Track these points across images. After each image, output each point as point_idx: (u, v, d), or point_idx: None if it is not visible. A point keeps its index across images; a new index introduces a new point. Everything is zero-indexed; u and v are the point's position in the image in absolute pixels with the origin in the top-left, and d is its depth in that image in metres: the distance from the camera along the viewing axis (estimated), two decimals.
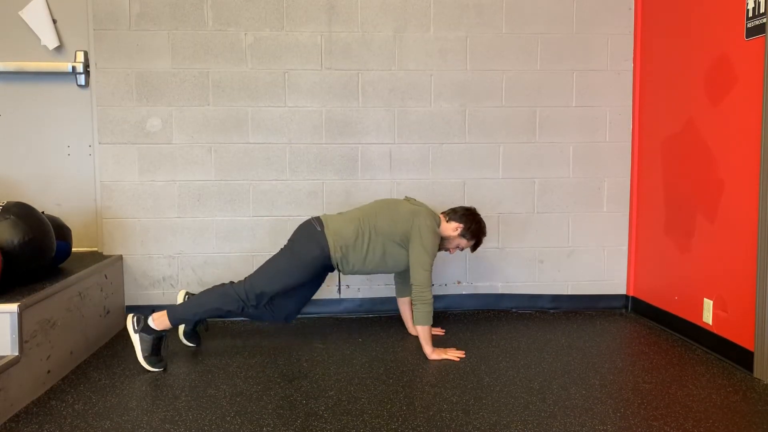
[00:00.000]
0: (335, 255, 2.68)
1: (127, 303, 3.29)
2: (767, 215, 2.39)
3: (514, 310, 3.49)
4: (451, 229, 2.80)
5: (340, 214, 2.81)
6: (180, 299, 2.87)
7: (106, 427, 2.06)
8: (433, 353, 2.69)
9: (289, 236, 2.85)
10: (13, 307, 2.19)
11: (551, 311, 3.48)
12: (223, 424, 2.07)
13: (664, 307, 3.16)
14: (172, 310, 2.60)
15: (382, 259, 2.73)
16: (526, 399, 2.27)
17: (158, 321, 2.57)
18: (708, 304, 2.78)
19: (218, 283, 3.35)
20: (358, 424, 2.07)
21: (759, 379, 2.44)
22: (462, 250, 2.90)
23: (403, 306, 3.05)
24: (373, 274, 3.03)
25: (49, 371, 2.40)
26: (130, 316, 2.59)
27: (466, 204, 3.39)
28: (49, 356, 2.40)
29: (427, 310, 2.66)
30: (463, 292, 3.47)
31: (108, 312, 3.03)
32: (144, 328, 2.56)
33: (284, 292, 2.73)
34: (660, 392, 2.33)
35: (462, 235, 2.81)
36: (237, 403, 2.24)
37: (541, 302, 3.50)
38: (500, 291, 3.49)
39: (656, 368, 2.58)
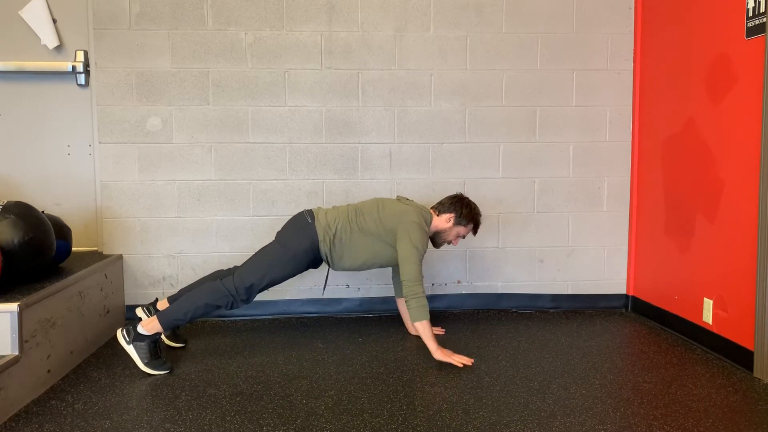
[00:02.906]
0: (323, 247, 2.69)
1: (127, 302, 3.29)
2: (767, 215, 2.39)
3: (514, 309, 3.49)
4: (444, 221, 2.80)
5: (334, 208, 2.81)
6: (139, 312, 2.81)
7: (106, 426, 2.06)
8: (438, 351, 2.60)
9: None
10: (13, 306, 2.19)
11: (551, 311, 3.48)
12: (223, 424, 2.07)
13: (664, 306, 3.16)
14: (163, 315, 2.55)
15: (371, 256, 2.74)
16: (526, 398, 2.27)
17: (149, 327, 2.52)
18: (708, 304, 2.78)
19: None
20: (358, 424, 2.07)
21: (759, 379, 2.44)
22: (464, 237, 2.88)
23: (402, 306, 3.05)
24: (366, 270, 2.97)
25: (49, 371, 2.40)
26: (119, 331, 2.53)
27: None
28: (49, 356, 2.40)
29: (421, 304, 2.59)
30: (463, 292, 3.47)
31: (108, 311, 3.03)
32: (136, 337, 2.51)
33: (274, 284, 2.70)
34: (660, 392, 2.33)
35: (457, 223, 2.80)
36: (237, 403, 2.24)
37: (541, 302, 3.50)
38: (500, 290, 3.49)
39: (656, 368, 2.58)
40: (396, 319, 3.28)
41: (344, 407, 2.21)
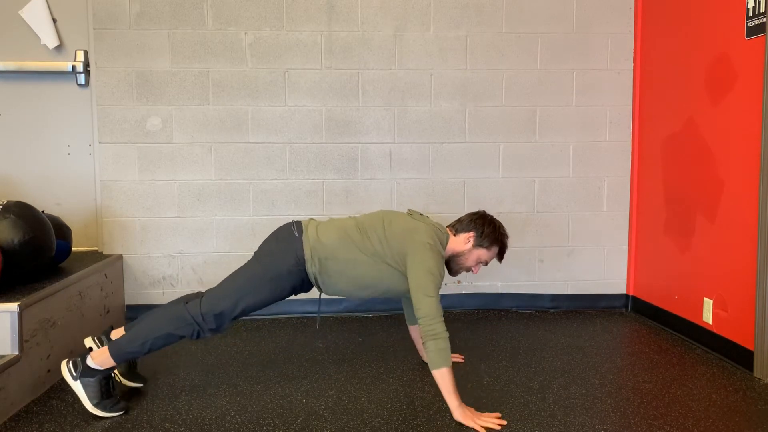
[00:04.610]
0: (311, 268, 2.23)
1: (127, 302, 3.29)
2: (767, 215, 2.39)
3: (514, 309, 3.49)
4: (463, 242, 2.33)
5: (330, 220, 2.38)
6: (89, 344, 2.32)
7: (106, 426, 2.06)
8: (458, 410, 2.07)
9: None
10: (14, 306, 2.19)
11: (551, 310, 3.48)
12: (224, 424, 2.07)
13: (664, 306, 3.16)
14: (115, 345, 2.15)
15: (372, 281, 2.26)
16: (526, 398, 2.27)
17: (99, 360, 2.13)
18: (708, 304, 2.78)
19: (219, 281, 3.31)
20: (358, 424, 2.07)
21: (759, 379, 2.44)
22: (486, 264, 2.40)
23: (415, 333, 2.62)
24: (363, 299, 2.46)
25: (49, 370, 2.40)
26: (64, 363, 2.14)
27: (467, 203, 3.39)
28: (49, 355, 2.40)
29: (441, 347, 2.07)
30: (463, 292, 3.47)
31: (108, 311, 3.03)
32: (84, 372, 2.10)
33: (251, 311, 2.25)
34: (660, 392, 2.33)
35: (478, 244, 2.32)
36: (237, 403, 2.24)
37: (541, 301, 3.50)
38: (500, 290, 3.49)
39: (656, 368, 2.58)
40: (396, 319, 3.28)
41: (344, 407, 2.21)
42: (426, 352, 2.10)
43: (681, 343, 2.91)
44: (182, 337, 2.18)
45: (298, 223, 2.32)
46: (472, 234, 2.33)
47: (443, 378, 2.07)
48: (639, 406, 2.20)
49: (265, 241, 2.35)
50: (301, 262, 2.23)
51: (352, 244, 2.24)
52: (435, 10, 3.32)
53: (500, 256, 2.40)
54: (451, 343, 2.14)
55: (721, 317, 2.70)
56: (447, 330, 2.10)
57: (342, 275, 2.25)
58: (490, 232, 2.33)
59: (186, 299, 2.29)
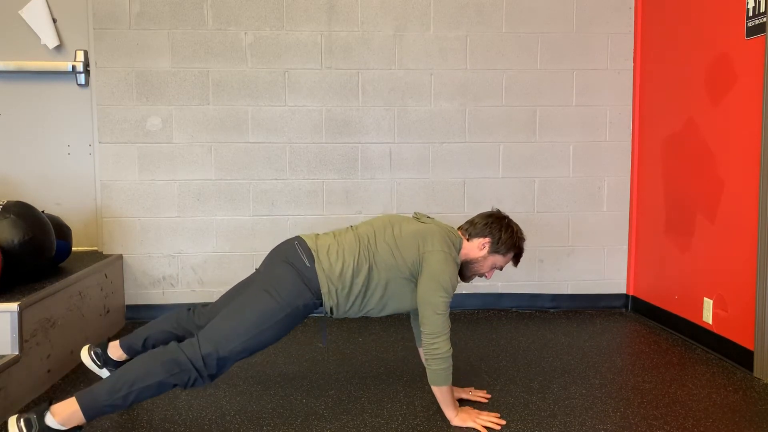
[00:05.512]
0: (329, 301, 2.02)
1: (127, 302, 3.29)
2: (767, 215, 2.39)
3: (514, 309, 3.49)
4: (477, 247, 2.14)
5: (334, 236, 2.12)
6: (84, 357, 2.10)
7: (105, 426, 2.06)
8: (456, 418, 2.04)
9: (287, 236, 2.60)
10: (14, 306, 2.19)
11: (551, 310, 3.48)
12: (223, 423, 2.07)
13: (664, 306, 3.16)
14: (89, 396, 1.76)
15: (382, 299, 2.07)
16: (526, 398, 2.27)
17: (64, 416, 1.72)
18: (708, 304, 2.78)
19: (218, 281, 3.28)
20: (358, 424, 2.07)
21: (759, 379, 2.44)
22: (501, 269, 2.22)
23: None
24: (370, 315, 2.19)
25: (49, 370, 2.40)
26: (13, 419, 1.69)
27: (466, 203, 3.39)
28: (49, 355, 2.40)
29: (443, 368, 1.99)
30: (463, 292, 3.47)
31: (108, 311, 3.04)
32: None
33: (256, 352, 1.99)
34: (660, 392, 2.33)
35: (494, 250, 2.13)
36: (237, 403, 2.24)
37: (541, 301, 3.50)
38: (500, 290, 3.49)
39: (656, 368, 2.58)
40: (396, 319, 3.28)
41: (344, 407, 2.21)
42: (427, 369, 2.03)
43: (681, 343, 2.91)
44: (175, 385, 1.85)
45: (305, 247, 2.05)
46: (487, 240, 2.13)
47: (442, 393, 2.05)
48: (639, 406, 2.20)
49: (272, 268, 2.05)
50: (317, 294, 2.01)
51: (363, 266, 2.02)
52: (435, 10, 3.32)
53: (516, 261, 2.21)
54: (451, 343, 2.05)
55: (721, 317, 2.70)
56: (451, 347, 2.02)
57: (354, 302, 2.06)
58: (507, 238, 2.13)
59: (180, 321, 2.10)
